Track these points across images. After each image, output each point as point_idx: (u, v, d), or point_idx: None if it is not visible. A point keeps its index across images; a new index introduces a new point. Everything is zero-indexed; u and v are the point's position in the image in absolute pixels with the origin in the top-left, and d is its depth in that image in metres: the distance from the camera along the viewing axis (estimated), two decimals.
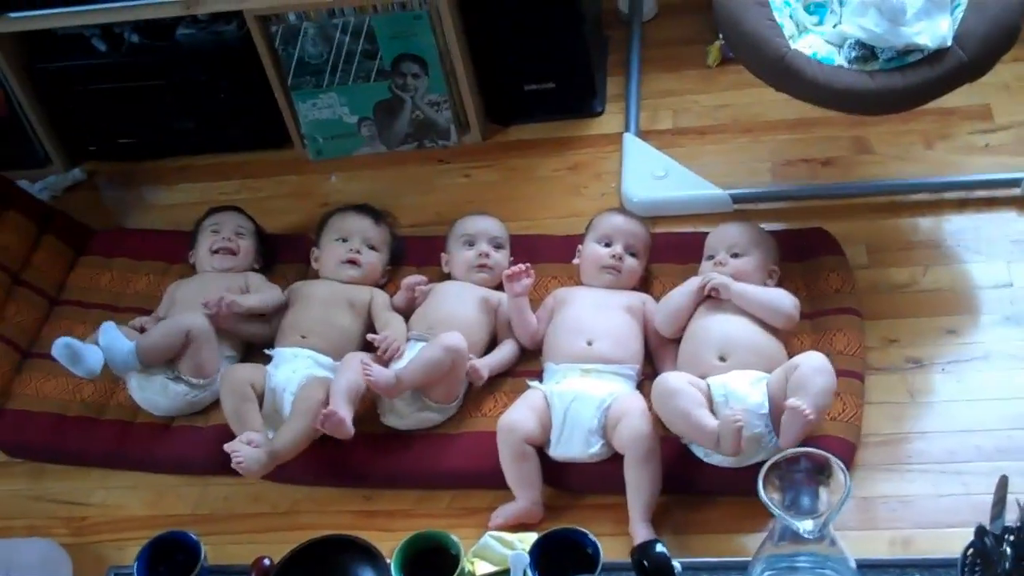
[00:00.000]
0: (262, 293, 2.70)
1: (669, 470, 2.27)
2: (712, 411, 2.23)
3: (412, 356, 2.46)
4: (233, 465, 2.32)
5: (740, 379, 2.28)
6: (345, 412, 2.36)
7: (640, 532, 2.19)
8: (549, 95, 3.15)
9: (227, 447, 2.34)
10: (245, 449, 2.33)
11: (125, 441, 2.58)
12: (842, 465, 1.55)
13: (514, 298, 2.53)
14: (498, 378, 2.54)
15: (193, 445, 2.53)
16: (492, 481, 2.36)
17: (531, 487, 2.30)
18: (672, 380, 2.27)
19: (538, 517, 2.29)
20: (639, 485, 2.22)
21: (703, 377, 2.31)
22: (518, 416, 2.34)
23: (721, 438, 2.14)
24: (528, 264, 2.54)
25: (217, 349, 2.59)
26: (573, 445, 2.32)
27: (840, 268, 2.59)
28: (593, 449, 2.31)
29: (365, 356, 2.49)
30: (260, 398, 2.48)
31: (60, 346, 2.47)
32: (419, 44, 3.00)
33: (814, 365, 2.21)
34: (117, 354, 2.51)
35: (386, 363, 2.49)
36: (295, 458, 2.42)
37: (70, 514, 2.53)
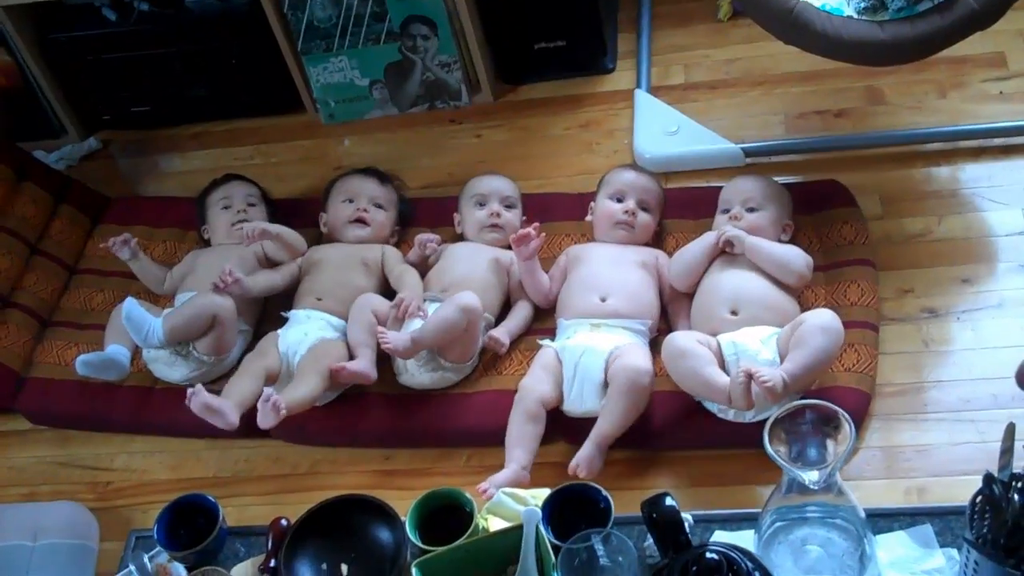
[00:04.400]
0: (268, 273, 2.70)
1: (682, 425, 2.29)
2: (724, 368, 2.24)
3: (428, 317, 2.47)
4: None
5: (750, 335, 2.28)
6: (364, 362, 2.41)
7: (585, 451, 2.22)
8: (560, 53, 3.13)
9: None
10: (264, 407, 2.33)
11: (146, 406, 2.61)
12: (847, 415, 1.55)
13: (524, 262, 2.53)
14: None
15: None
16: None
17: (525, 450, 2.29)
18: (680, 340, 2.27)
19: (526, 483, 2.23)
20: (609, 411, 2.25)
21: (715, 332, 2.31)
22: (534, 379, 2.36)
23: (732, 394, 2.15)
24: (536, 224, 2.54)
25: (236, 327, 2.61)
26: (586, 399, 2.33)
27: (854, 219, 2.58)
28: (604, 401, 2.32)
29: (375, 298, 2.54)
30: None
31: (80, 365, 2.55)
32: (427, 5, 2.99)
33: (817, 323, 2.21)
34: (139, 331, 2.53)
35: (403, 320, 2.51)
36: (314, 420, 2.45)
37: (95, 479, 2.57)
